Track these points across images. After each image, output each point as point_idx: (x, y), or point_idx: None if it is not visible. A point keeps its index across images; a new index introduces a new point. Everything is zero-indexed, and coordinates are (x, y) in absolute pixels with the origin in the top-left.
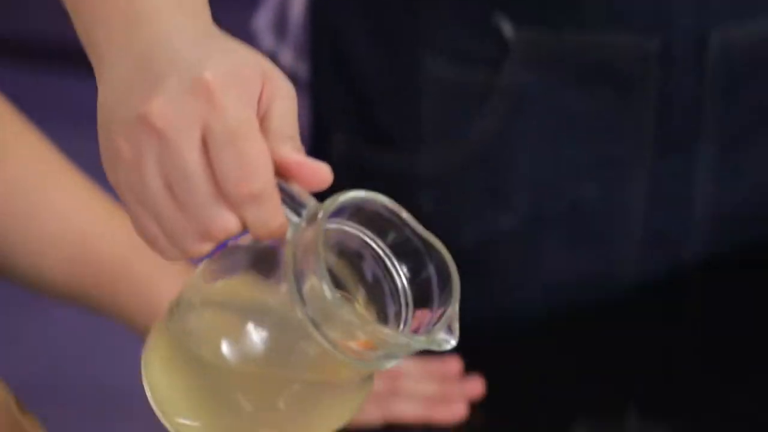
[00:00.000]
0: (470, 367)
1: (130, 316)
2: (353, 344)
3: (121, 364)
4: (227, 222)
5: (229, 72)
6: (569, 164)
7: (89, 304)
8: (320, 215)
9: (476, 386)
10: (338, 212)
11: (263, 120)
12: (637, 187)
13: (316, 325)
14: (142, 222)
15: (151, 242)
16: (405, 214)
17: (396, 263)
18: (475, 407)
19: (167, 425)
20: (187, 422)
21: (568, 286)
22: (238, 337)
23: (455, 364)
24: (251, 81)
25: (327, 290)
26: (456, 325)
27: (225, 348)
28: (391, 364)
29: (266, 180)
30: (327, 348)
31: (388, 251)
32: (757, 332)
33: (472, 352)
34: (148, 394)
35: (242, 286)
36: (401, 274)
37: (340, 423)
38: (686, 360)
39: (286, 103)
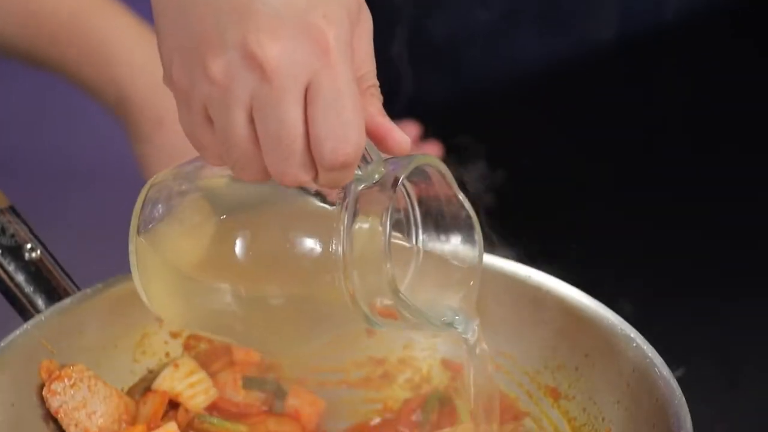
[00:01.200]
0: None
1: (79, 70)
2: (370, 299)
3: (78, 129)
4: (302, 177)
5: (340, 20)
6: None
7: (40, 60)
8: (397, 183)
9: (433, 149)
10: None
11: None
12: None
13: (346, 265)
14: (198, 128)
15: (198, 147)
16: (450, 181)
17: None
18: None
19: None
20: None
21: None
22: (258, 234)
23: (412, 129)
24: (354, 25)
25: (384, 241)
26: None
27: (242, 239)
28: (382, 327)
29: (358, 150)
30: (343, 289)
31: (419, 218)
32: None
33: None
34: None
35: (268, 192)
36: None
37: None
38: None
39: (369, 37)
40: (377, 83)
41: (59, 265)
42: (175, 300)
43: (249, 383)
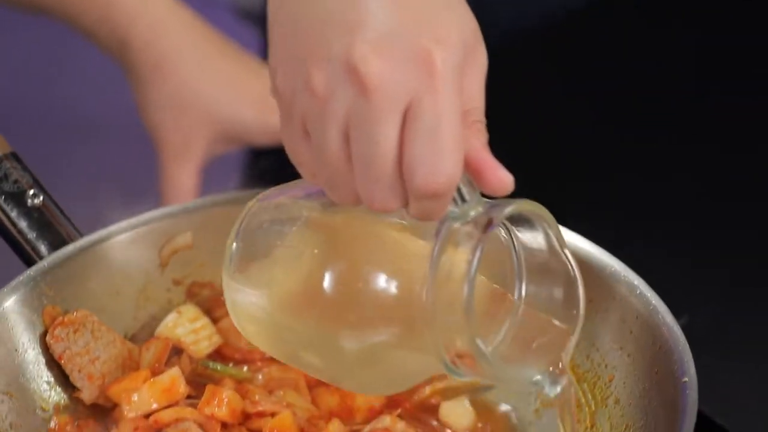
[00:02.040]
0: None
1: (79, 15)
2: (452, 348)
3: (82, 77)
4: (391, 203)
5: (454, 46)
6: None
7: (41, 6)
8: (491, 225)
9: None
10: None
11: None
12: None
13: (427, 308)
14: (296, 142)
15: (295, 160)
16: (555, 233)
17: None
18: None
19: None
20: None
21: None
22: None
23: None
24: (468, 56)
25: (467, 287)
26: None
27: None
28: (465, 378)
29: (453, 181)
30: (426, 335)
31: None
32: None
33: None
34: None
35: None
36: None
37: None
38: None
39: (482, 73)
40: (484, 121)
41: (62, 211)
42: (258, 326)
43: None
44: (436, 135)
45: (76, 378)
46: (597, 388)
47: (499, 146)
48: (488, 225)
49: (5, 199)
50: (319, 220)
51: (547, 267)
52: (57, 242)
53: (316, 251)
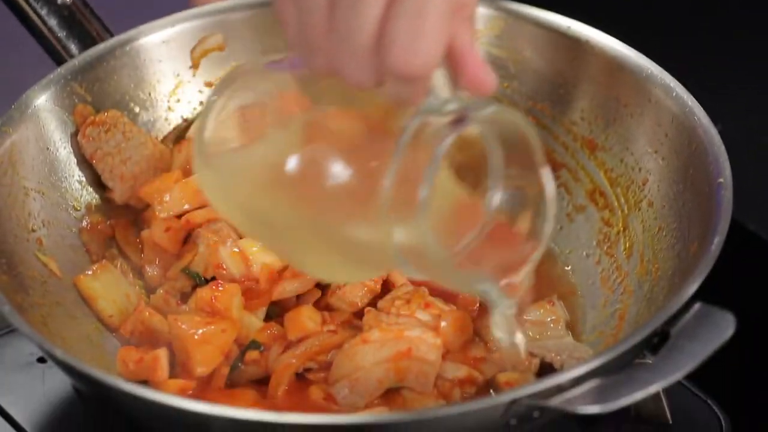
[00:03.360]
0: None
1: None
2: (404, 242)
3: None
4: (363, 80)
5: None
6: None
7: None
8: (464, 121)
9: None
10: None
11: None
12: None
13: (386, 198)
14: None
15: (280, 18)
16: (534, 146)
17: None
18: None
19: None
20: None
21: None
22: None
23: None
24: None
25: (428, 179)
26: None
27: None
28: (414, 275)
29: (429, 64)
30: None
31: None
32: None
33: None
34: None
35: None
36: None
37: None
38: None
39: None
40: (475, 17)
41: (92, 10)
42: (228, 204)
43: None
44: (419, 16)
45: (107, 178)
46: (630, 191)
47: None
48: (461, 121)
49: None
50: (296, 96)
51: (521, 181)
52: (87, 41)
53: (288, 129)
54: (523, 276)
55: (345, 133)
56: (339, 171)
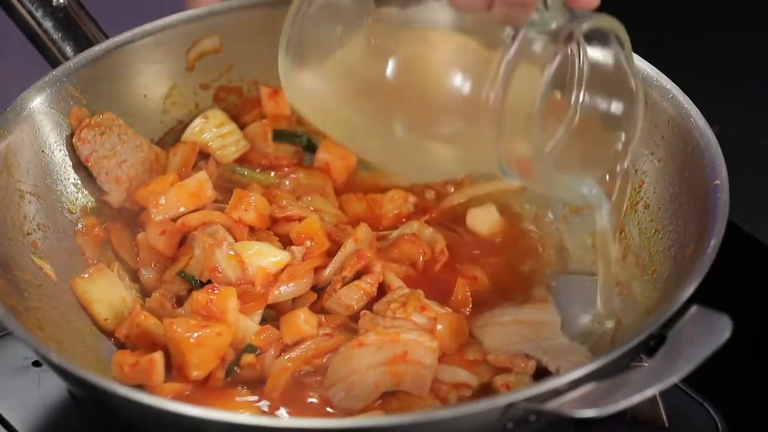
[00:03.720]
0: None
1: None
2: (511, 150)
3: None
4: (473, 1)
5: None
6: None
7: None
8: (571, 38)
9: None
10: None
11: None
12: None
13: (494, 110)
14: None
15: None
16: (627, 53)
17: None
18: None
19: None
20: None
21: None
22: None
23: None
24: None
25: (541, 94)
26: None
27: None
28: (514, 180)
29: None
30: (487, 133)
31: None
32: None
33: None
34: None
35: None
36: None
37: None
38: None
39: None
40: None
41: (87, 12)
42: (320, 98)
43: (279, 136)
44: None
45: (103, 181)
46: None
47: None
48: (569, 38)
49: None
50: (387, 14)
51: (610, 82)
52: (83, 43)
53: (380, 43)
54: (621, 167)
55: (437, 44)
56: (439, 77)
